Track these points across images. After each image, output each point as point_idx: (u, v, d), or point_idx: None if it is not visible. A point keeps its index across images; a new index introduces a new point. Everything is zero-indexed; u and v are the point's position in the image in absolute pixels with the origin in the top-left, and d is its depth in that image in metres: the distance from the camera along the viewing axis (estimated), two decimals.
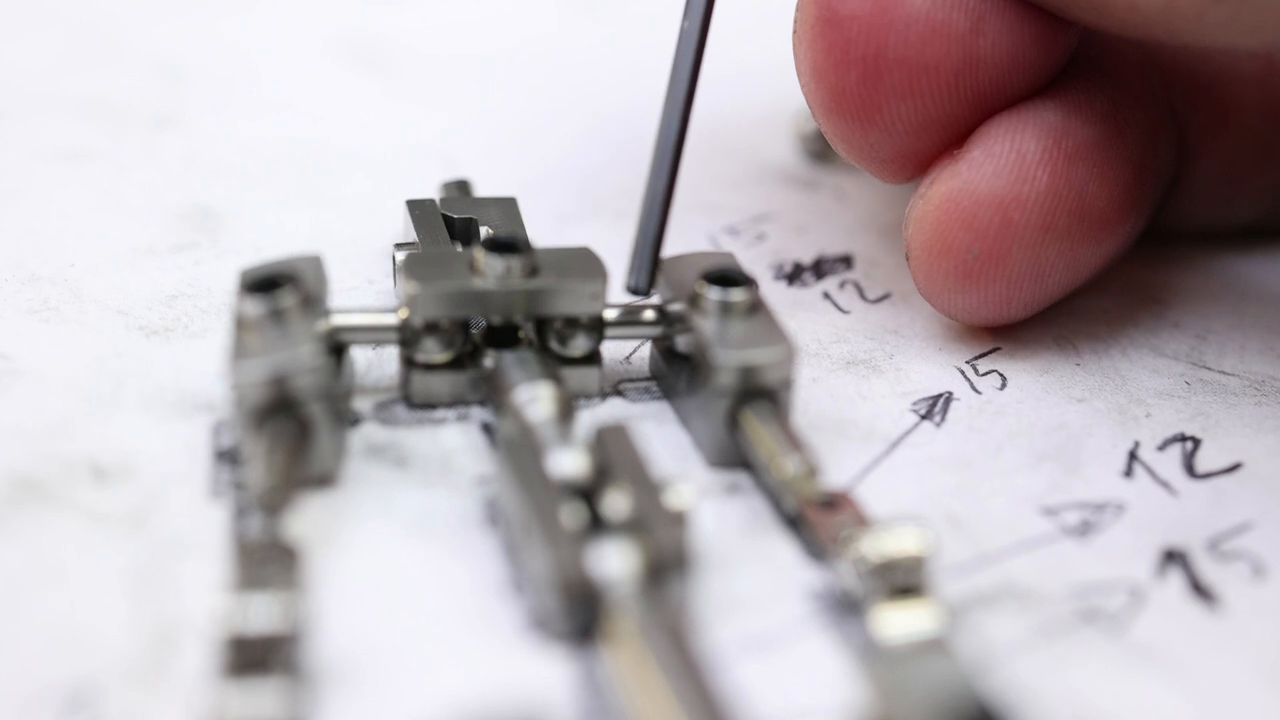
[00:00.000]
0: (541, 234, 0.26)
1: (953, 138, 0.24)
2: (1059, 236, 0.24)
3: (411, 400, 0.23)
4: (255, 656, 0.17)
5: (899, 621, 0.19)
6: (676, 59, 0.23)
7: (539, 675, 0.18)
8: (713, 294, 0.22)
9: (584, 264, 0.23)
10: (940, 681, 0.17)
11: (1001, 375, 0.25)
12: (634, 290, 0.23)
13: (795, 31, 0.24)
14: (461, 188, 0.27)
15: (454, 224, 0.25)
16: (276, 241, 0.26)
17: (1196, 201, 0.27)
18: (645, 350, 0.25)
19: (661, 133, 0.23)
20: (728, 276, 0.23)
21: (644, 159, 0.31)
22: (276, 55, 0.36)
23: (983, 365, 0.25)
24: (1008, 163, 0.24)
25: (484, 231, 0.25)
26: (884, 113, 0.23)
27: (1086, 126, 0.24)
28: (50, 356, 0.23)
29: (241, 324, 0.21)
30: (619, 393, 0.24)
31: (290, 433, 0.20)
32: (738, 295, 0.22)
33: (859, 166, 0.25)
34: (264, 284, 0.21)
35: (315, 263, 0.22)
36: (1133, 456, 0.23)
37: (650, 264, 0.23)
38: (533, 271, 0.23)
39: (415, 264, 0.23)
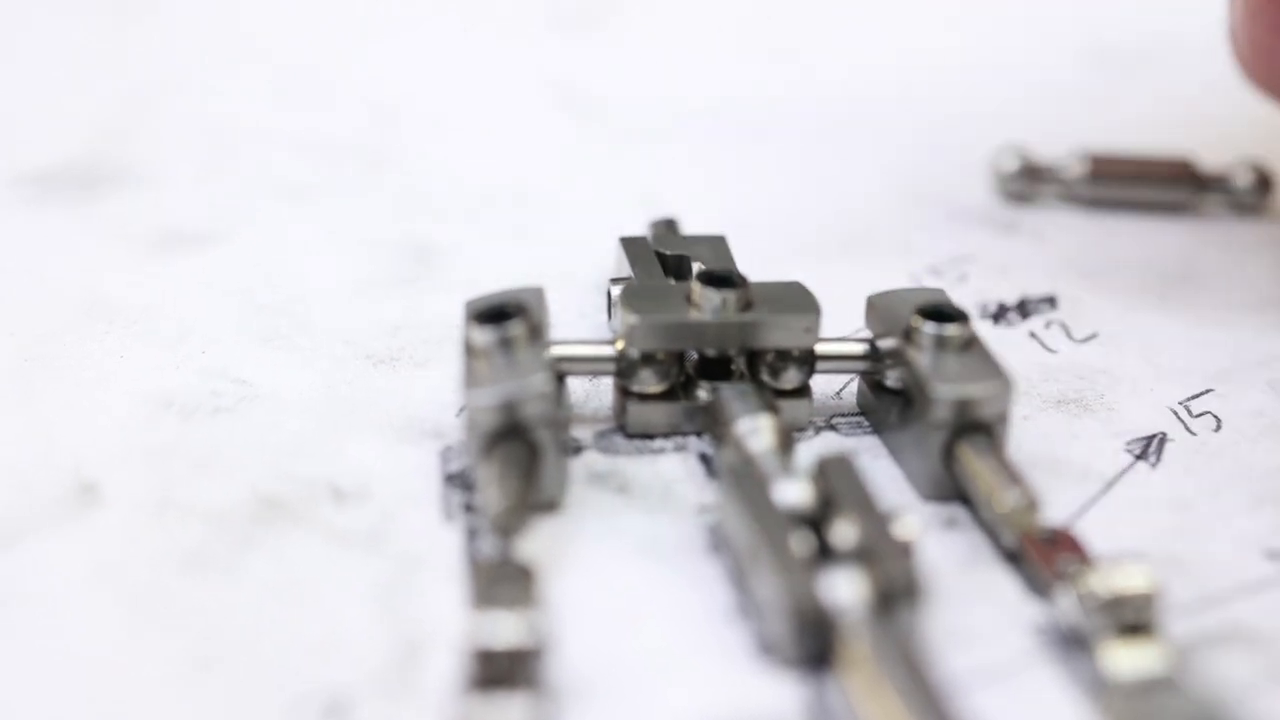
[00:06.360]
0: (748, 273, 0.26)
1: None
2: None
3: (628, 429, 0.24)
4: (501, 671, 0.18)
5: (1130, 658, 0.19)
6: None
7: (772, 697, 0.19)
8: (928, 328, 0.23)
9: (797, 298, 0.23)
10: (1184, 716, 0.17)
11: (1216, 417, 0.25)
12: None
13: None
14: (669, 226, 0.28)
15: (667, 260, 0.26)
16: (491, 276, 0.27)
17: None
18: (854, 385, 0.25)
19: None
20: (942, 311, 0.23)
21: (842, 202, 0.32)
22: (481, 96, 0.37)
23: (1196, 406, 0.25)
24: None
25: (696, 267, 0.26)
26: None
27: None
28: (285, 383, 0.25)
29: (472, 352, 0.22)
30: (831, 427, 0.24)
31: (521, 457, 0.21)
32: (953, 330, 0.23)
33: None
34: (492, 314, 0.22)
35: (538, 294, 0.23)
36: None
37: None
38: (747, 305, 0.23)
39: (633, 296, 0.23)
